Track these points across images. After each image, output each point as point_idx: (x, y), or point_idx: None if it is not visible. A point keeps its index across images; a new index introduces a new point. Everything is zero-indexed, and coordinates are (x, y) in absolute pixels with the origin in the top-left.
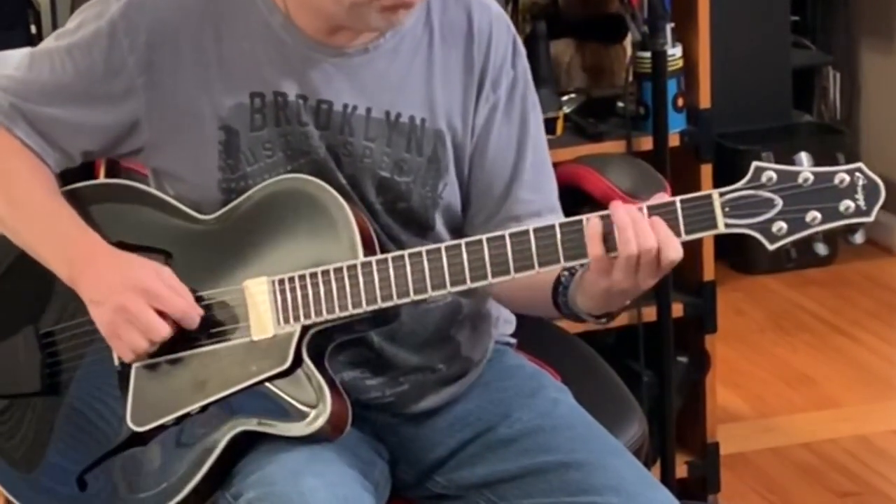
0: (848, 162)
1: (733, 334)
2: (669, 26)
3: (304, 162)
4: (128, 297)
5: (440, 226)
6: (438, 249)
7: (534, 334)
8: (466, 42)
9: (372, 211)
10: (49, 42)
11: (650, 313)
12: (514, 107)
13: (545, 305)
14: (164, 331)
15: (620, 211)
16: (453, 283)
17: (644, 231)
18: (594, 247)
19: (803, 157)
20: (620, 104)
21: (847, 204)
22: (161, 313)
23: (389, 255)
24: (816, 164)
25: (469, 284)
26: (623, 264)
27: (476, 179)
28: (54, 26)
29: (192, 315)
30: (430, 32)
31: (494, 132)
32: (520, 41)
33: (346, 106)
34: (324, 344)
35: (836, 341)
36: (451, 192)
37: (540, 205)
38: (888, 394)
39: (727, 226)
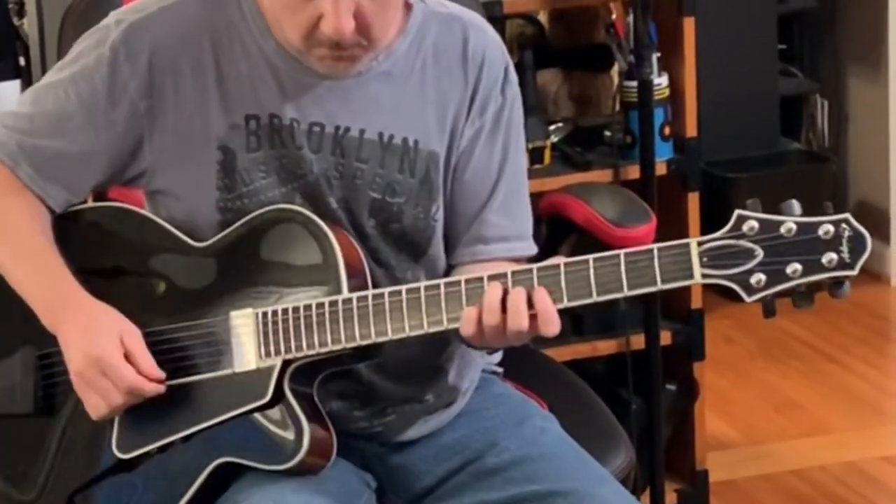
0: (834, 192)
1: (722, 361)
2: (655, 55)
3: (296, 185)
4: (82, 364)
5: (435, 250)
6: (417, 289)
7: (520, 363)
8: (460, 64)
9: (363, 233)
10: (51, 75)
11: (638, 341)
12: (499, 133)
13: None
14: (118, 399)
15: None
16: (430, 324)
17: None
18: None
19: (794, 204)
20: (607, 133)
21: (830, 256)
22: None
23: (370, 293)
24: (803, 192)
25: (446, 326)
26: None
27: (449, 201)
28: (43, 58)
29: (141, 388)
30: (425, 55)
31: (476, 156)
32: (512, 68)
33: (337, 128)
34: (312, 375)
35: (825, 368)
36: (443, 214)
37: (509, 230)
38: (878, 420)
39: (704, 276)
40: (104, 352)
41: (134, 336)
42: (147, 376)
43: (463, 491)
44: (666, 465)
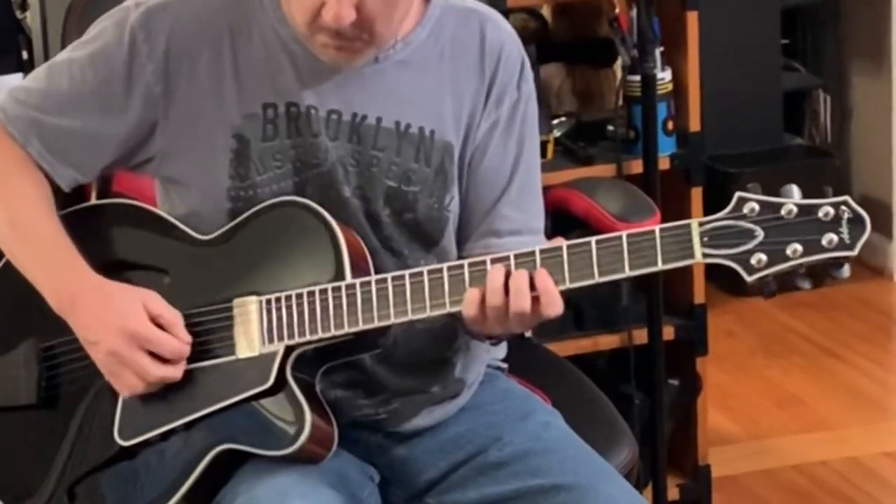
0: (837, 187)
1: (724, 357)
2: (659, 50)
3: (311, 175)
4: (118, 343)
5: (447, 241)
6: (420, 273)
7: (524, 359)
8: (478, 57)
9: (378, 221)
10: (66, 53)
11: (641, 336)
12: (514, 127)
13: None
14: (157, 371)
15: (493, 272)
16: (433, 307)
17: (519, 291)
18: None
19: (794, 189)
20: (610, 128)
21: (830, 237)
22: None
23: (373, 278)
24: (806, 187)
25: (449, 308)
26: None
27: (464, 193)
28: (46, 52)
29: (184, 351)
30: (442, 46)
31: (491, 149)
32: (528, 65)
33: (355, 115)
34: (315, 366)
35: (827, 364)
36: (457, 205)
37: (521, 224)
38: (880, 416)
39: (705, 255)
40: (134, 323)
41: (153, 298)
42: (180, 338)
43: (466, 485)
44: (668, 460)
